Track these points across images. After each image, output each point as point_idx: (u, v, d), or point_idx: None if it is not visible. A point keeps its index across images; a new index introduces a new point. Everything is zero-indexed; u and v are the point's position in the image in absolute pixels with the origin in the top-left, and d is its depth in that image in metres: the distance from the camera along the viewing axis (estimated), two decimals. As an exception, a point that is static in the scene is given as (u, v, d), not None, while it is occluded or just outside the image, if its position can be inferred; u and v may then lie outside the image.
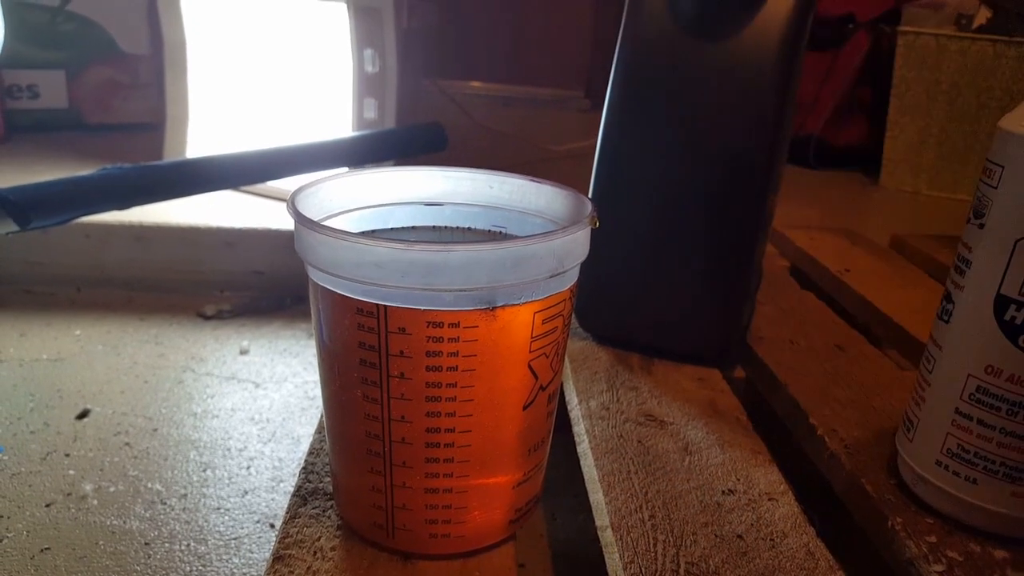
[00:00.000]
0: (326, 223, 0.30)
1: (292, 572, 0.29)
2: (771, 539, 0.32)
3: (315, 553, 0.30)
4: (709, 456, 0.37)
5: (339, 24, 0.79)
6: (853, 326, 0.55)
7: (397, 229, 0.33)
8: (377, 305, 0.26)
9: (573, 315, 0.49)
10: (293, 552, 0.30)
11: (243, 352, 0.70)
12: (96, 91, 1.06)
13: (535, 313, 0.27)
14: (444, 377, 0.26)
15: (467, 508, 0.29)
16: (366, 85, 0.79)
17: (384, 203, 0.33)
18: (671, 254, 0.45)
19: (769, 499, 0.35)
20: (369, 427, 0.28)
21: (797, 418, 0.43)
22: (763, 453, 0.38)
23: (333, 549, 0.30)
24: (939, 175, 1.19)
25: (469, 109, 1.26)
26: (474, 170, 0.34)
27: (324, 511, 0.32)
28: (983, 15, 1.09)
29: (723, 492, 0.35)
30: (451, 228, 0.34)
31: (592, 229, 0.29)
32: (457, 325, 0.26)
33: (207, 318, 0.75)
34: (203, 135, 0.90)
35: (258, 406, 0.61)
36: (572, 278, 0.29)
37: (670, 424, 0.40)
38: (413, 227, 0.34)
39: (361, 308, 0.26)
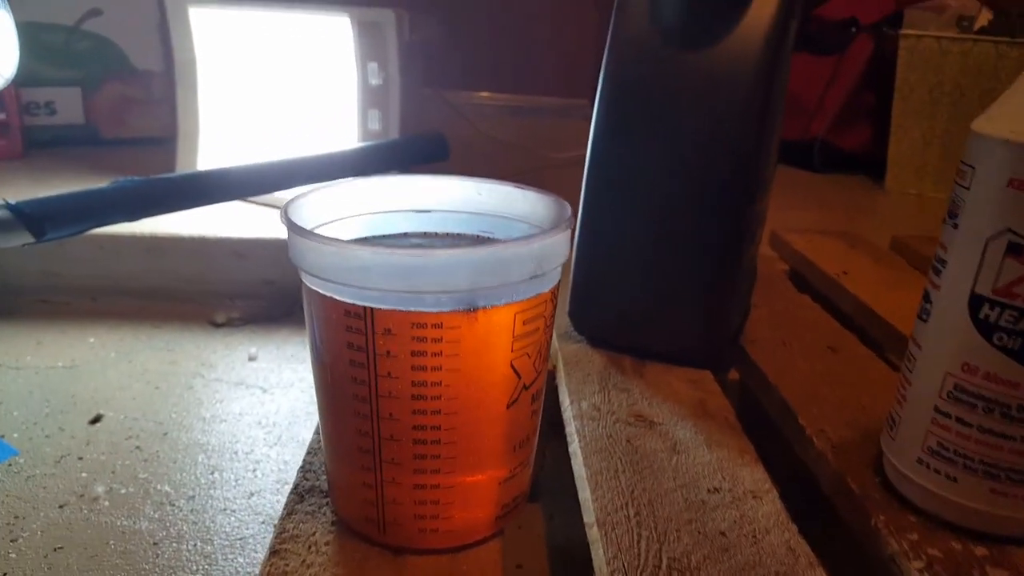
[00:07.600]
0: (320, 231, 0.31)
1: (287, 565, 0.30)
2: (753, 536, 0.33)
3: (310, 547, 0.31)
4: (696, 455, 0.38)
5: (343, 38, 0.81)
6: (850, 329, 0.56)
7: (389, 236, 0.35)
8: (364, 308, 0.27)
9: (568, 318, 0.50)
10: (288, 546, 0.31)
11: (252, 359, 0.71)
12: (111, 107, 1.09)
13: (516, 314, 0.28)
14: (429, 376, 0.28)
15: (455, 503, 0.30)
16: (370, 97, 0.81)
17: (376, 211, 0.34)
18: (660, 257, 0.46)
19: (753, 497, 0.35)
20: (359, 425, 0.29)
21: (787, 418, 0.44)
22: (750, 453, 0.39)
23: (327, 544, 0.31)
24: (943, 177, 1.19)
25: (476, 119, 1.28)
26: (463, 178, 0.35)
27: (320, 508, 0.33)
28: (984, 17, 1.09)
29: (708, 490, 0.36)
30: (440, 234, 0.35)
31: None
32: (440, 326, 0.27)
33: (218, 326, 0.77)
34: (214, 148, 0.92)
35: (265, 410, 0.63)
36: (552, 280, 0.30)
37: (659, 424, 0.41)
38: (404, 233, 0.35)
39: (349, 311, 0.27)
